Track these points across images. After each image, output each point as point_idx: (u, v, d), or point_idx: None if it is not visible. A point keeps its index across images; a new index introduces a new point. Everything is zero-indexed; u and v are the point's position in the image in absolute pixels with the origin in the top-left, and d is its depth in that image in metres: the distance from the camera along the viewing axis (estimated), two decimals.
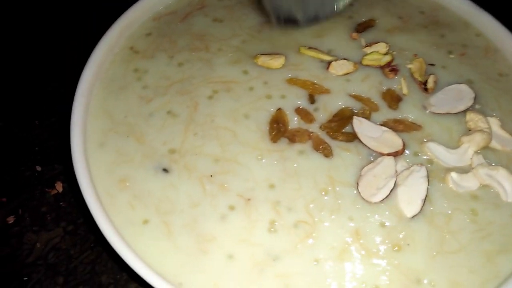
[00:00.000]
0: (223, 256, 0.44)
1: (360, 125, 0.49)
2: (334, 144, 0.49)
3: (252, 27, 0.59)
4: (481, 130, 0.49)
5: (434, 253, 0.44)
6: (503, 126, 0.51)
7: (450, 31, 0.59)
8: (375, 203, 0.46)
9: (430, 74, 0.54)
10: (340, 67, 0.54)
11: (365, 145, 0.48)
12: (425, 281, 0.43)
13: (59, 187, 0.64)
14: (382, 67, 0.54)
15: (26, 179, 0.64)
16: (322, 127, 0.51)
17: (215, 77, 0.54)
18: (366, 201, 0.46)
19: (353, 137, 0.50)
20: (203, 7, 0.61)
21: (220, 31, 0.58)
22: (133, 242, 0.44)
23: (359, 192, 0.46)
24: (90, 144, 0.49)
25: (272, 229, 0.45)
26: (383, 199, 0.46)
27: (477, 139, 0.49)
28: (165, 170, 0.48)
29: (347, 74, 0.54)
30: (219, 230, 0.45)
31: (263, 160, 0.48)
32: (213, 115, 0.52)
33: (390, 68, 0.54)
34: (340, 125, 0.50)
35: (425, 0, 0.62)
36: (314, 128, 0.51)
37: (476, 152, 0.49)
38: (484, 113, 0.51)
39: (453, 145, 0.50)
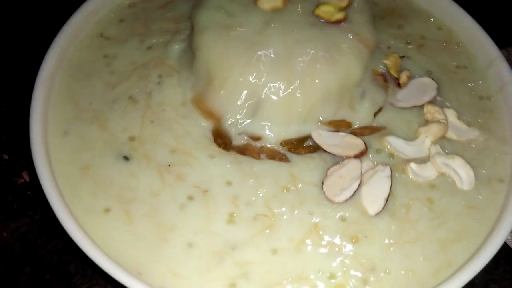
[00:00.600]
0: (183, 244, 0.44)
1: (319, 137, 0.49)
2: (296, 157, 0.49)
3: None
4: (437, 121, 0.49)
5: (392, 242, 0.45)
6: (459, 117, 0.51)
7: (407, 23, 0.59)
8: (339, 202, 0.46)
9: (403, 70, 0.54)
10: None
11: (330, 152, 0.48)
12: (380, 269, 0.44)
13: (26, 176, 0.63)
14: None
15: None
16: (283, 143, 0.49)
17: (164, 59, 0.54)
18: (330, 200, 0.46)
19: (315, 148, 0.49)
20: None
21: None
22: (94, 231, 0.44)
23: (324, 192, 0.46)
24: (52, 132, 0.49)
25: (231, 221, 0.45)
26: (347, 199, 0.46)
27: (434, 130, 0.49)
28: (125, 158, 0.48)
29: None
30: (179, 219, 0.45)
31: (215, 159, 0.48)
32: (164, 104, 0.51)
33: (383, 78, 0.54)
34: (300, 141, 0.50)
35: None
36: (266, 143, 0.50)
37: (434, 143, 0.50)
38: (441, 105, 0.52)
39: (412, 137, 0.50)
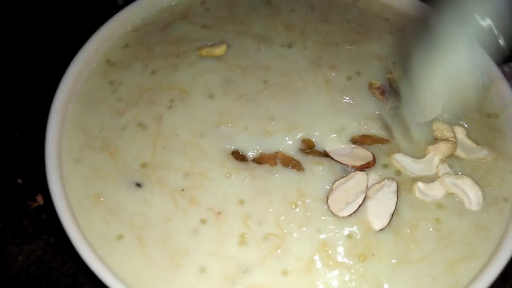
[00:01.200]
0: (196, 269, 0.45)
1: (330, 147, 0.51)
2: (306, 159, 0.50)
3: None
4: (446, 139, 0.50)
5: (398, 262, 0.45)
6: (468, 135, 0.52)
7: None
8: (343, 217, 0.47)
9: None
10: None
11: (337, 161, 0.49)
12: None
13: (40, 199, 0.65)
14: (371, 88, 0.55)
15: (7, 192, 0.65)
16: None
17: (175, 83, 0.55)
18: (335, 215, 0.47)
19: (325, 154, 0.51)
20: (185, 16, 0.61)
21: (200, 35, 0.58)
22: (108, 257, 0.45)
23: (329, 206, 0.47)
24: (65, 159, 0.50)
25: (243, 242, 0.46)
26: (352, 214, 0.47)
27: (443, 148, 0.50)
28: (138, 185, 0.49)
29: None
30: (191, 244, 0.46)
31: (232, 176, 0.49)
32: (175, 127, 0.52)
33: (380, 91, 0.55)
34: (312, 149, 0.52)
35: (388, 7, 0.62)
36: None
37: (442, 161, 0.50)
38: (450, 122, 0.52)
39: (420, 155, 0.51)
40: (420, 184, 0.49)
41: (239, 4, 0.61)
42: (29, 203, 0.64)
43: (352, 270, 0.45)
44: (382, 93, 0.54)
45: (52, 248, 0.62)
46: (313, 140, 0.51)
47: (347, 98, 0.54)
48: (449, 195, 0.49)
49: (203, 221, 0.47)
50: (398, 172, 0.50)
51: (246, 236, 0.46)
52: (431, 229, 0.47)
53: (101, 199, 0.48)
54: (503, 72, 0.72)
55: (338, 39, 0.59)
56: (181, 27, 0.59)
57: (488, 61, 0.55)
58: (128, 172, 0.50)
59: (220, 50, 0.56)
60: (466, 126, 0.53)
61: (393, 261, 0.46)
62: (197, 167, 0.50)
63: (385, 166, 0.50)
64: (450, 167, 0.50)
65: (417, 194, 0.49)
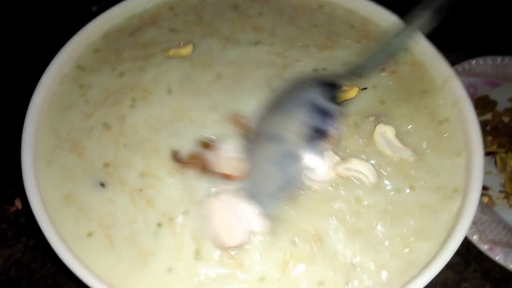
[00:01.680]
0: (163, 269, 0.47)
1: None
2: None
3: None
4: None
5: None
6: (398, 135, 0.54)
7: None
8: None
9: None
10: None
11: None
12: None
13: (18, 203, 0.66)
14: None
15: None
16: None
17: (139, 84, 0.57)
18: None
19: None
20: (154, 21, 0.63)
21: (168, 38, 0.60)
22: (81, 254, 0.47)
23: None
24: (39, 162, 0.52)
25: (199, 257, 0.48)
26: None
27: None
28: (102, 184, 0.51)
29: None
30: (155, 246, 0.48)
31: (173, 179, 0.51)
32: (135, 125, 0.54)
33: None
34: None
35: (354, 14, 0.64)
36: None
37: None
38: (387, 123, 0.54)
39: None
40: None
41: (207, 10, 0.63)
42: (8, 207, 0.66)
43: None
44: None
45: (31, 251, 0.64)
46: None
47: None
48: (347, 179, 0.51)
49: (159, 225, 0.49)
50: None
51: (201, 251, 0.48)
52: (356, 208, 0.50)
53: (71, 199, 0.50)
54: (463, 69, 0.76)
55: (308, 42, 0.60)
56: (149, 32, 0.61)
57: (440, 60, 0.58)
58: (93, 172, 0.51)
59: (186, 50, 0.58)
60: (410, 127, 0.55)
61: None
62: (149, 166, 0.51)
63: None
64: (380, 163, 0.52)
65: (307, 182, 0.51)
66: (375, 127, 0.54)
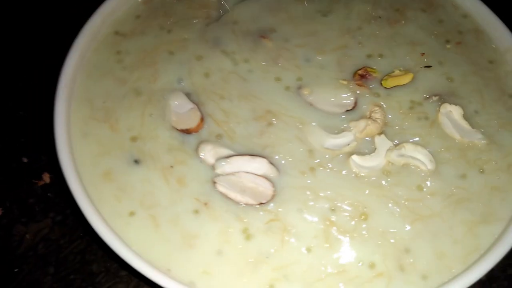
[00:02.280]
0: (212, 251, 0.45)
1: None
2: None
3: None
4: (369, 118, 0.49)
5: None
6: (466, 116, 0.50)
7: (445, 15, 0.58)
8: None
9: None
10: None
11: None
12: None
13: (46, 178, 0.64)
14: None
15: (12, 171, 0.64)
16: None
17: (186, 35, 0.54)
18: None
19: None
20: None
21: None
22: (121, 232, 0.44)
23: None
24: (74, 134, 0.49)
25: (248, 237, 0.45)
26: None
27: (361, 126, 0.49)
28: (136, 161, 0.48)
29: None
30: (199, 229, 0.45)
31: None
32: (164, 89, 0.51)
33: (362, 78, 0.53)
34: None
35: None
36: None
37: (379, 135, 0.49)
38: (455, 102, 0.51)
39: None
40: (354, 157, 0.48)
41: None
42: (35, 182, 0.64)
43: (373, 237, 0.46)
44: (361, 79, 0.53)
45: (60, 226, 0.62)
46: None
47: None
48: (404, 166, 0.48)
49: (197, 212, 0.46)
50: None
51: (248, 230, 0.46)
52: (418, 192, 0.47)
53: (111, 177, 0.48)
54: None
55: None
56: None
57: (501, 27, 0.54)
58: (125, 147, 0.49)
59: None
60: (479, 108, 0.51)
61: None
62: (173, 138, 0.49)
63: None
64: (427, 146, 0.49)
65: (354, 169, 0.48)
66: (440, 107, 0.50)
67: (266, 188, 0.46)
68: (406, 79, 0.52)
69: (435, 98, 0.51)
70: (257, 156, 0.47)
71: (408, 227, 0.45)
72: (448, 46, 0.55)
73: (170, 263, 0.44)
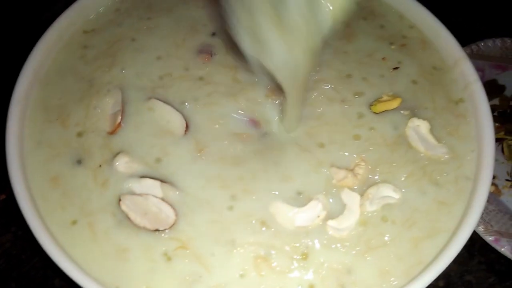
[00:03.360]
0: (145, 268, 0.44)
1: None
2: None
3: None
4: (352, 170, 0.48)
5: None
6: (431, 130, 0.50)
7: (386, 22, 0.58)
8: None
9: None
10: None
11: None
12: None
13: (8, 192, 0.64)
14: None
15: None
16: None
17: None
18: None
19: None
20: None
21: None
22: (67, 245, 0.44)
23: None
24: (27, 145, 0.49)
25: (166, 257, 0.45)
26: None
27: (341, 175, 0.48)
28: (78, 161, 0.48)
29: None
30: (126, 242, 0.45)
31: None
32: (110, 82, 0.51)
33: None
34: None
35: None
36: None
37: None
38: (417, 114, 0.51)
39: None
40: (330, 222, 0.46)
41: None
42: None
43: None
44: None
45: (21, 241, 0.62)
46: None
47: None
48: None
49: (120, 222, 0.46)
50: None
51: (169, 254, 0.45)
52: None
53: (59, 181, 0.47)
54: (471, 52, 0.73)
55: None
56: None
57: (451, 40, 0.55)
58: (71, 144, 0.49)
59: None
60: (431, 115, 0.52)
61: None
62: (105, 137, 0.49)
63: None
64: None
65: (331, 232, 0.46)
66: (408, 120, 0.51)
67: (168, 216, 0.45)
68: (395, 103, 0.52)
69: (405, 112, 0.52)
70: (167, 183, 0.47)
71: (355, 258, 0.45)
72: (393, 47, 0.56)
73: (116, 279, 0.43)
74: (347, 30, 0.56)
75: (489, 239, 0.60)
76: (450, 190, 0.48)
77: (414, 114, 0.51)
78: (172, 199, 0.46)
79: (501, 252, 0.60)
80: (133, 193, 0.46)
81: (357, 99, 0.52)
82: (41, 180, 0.47)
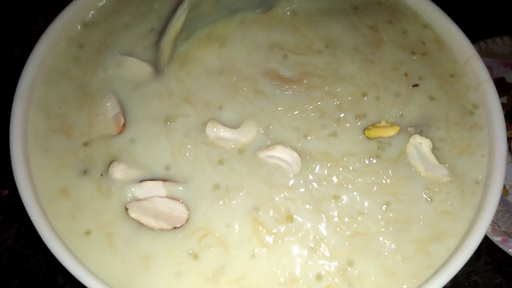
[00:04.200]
0: (170, 273, 0.43)
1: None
2: None
3: None
4: None
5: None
6: (433, 149, 0.49)
7: (407, 24, 0.56)
8: None
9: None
10: None
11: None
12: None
13: (10, 187, 0.63)
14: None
15: None
16: None
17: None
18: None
19: None
20: None
21: None
22: (78, 252, 0.43)
23: None
24: (32, 147, 0.48)
25: (193, 256, 0.44)
26: None
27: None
28: (84, 172, 0.47)
29: None
30: (150, 248, 0.44)
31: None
32: (104, 88, 0.51)
33: None
34: None
35: None
36: None
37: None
38: (426, 133, 0.50)
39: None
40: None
41: None
42: None
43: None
44: None
45: (24, 237, 0.61)
46: None
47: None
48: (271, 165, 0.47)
49: (137, 229, 0.45)
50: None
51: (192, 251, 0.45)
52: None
53: (67, 193, 0.46)
54: (479, 49, 0.72)
55: None
56: None
57: (461, 38, 0.54)
58: (78, 154, 0.48)
59: None
60: (445, 130, 0.50)
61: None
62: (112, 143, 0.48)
63: None
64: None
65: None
66: (410, 137, 0.49)
67: (180, 212, 0.45)
68: (392, 131, 0.49)
69: (410, 129, 0.50)
70: (169, 181, 0.46)
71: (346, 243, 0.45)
72: (414, 57, 0.54)
73: (129, 285, 0.43)
74: (376, 35, 0.55)
75: (497, 239, 0.60)
76: (453, 203, 0.48)
77: (421, 132, 0.50)
78: (178, 195, 0.46)
79: (508, 253, 0.60)
80: (137, 199, 0.45)
81: (356, 121, 0.50)
82: (49, 191, 0.46)
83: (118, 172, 0.46)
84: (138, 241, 0.44)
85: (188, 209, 0.45)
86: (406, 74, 0.53)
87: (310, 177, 0.47)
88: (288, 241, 0.45)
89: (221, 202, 0.45)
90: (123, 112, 0.49)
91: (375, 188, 0.47)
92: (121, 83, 0.51)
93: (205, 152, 0.47)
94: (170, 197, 0.45)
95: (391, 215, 0.46)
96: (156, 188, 0.45)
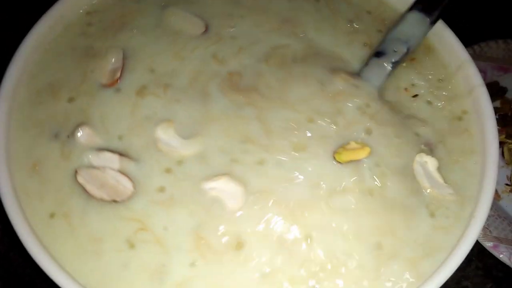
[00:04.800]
0: (119, 263, 0.43)
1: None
2: None
3: None
4: None
5: None
6: (439, 168, 0.48)
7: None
8: None
9: None
10: None
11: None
12: None
13: None
14: None
15: None
16: None
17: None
18: None
19: None
20: None
21: None
22: (49, 243, 0.43)
23: None
24: (17, 119, 0.47)
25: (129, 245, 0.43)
26: None
27: None
28: (56, 135, 0.46)
29: None
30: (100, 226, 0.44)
31: None
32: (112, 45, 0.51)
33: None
34: None
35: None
36: None
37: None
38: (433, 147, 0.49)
39: None
40: None
41: None
42: None
43: None
44: None
45: (9, 238, 0.60)
46: None
47: None
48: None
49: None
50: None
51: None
52: None
53: (37, 167, 0.45)
54: (473, 53, 0.71)
55: None
56: None
57: (454, 42, 0.53)
58: (57, 115, 0.47)
59: None
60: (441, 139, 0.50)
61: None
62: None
63: None
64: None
65: None
66: (416, 154, 0.48)
67: (126, 187, 0.44)
68: (363, 153, 0.46)
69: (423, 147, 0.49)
70: (125, 157, 0.46)
71: None
72: (404, 64, 0.53)
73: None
74: None
75: (488, 245, 0.60)
76: (449, 217, 0.47)
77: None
78: (130, 172, 0.45)
79: (499, 259, 0.59)
80: (91, 166, 0.45)
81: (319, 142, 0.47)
82: (23, 169, 0.45)
83: (84, 136, 0.46)
84: (89, 218, 0.43)
85: (134, 188, 0.44)
86: (406, 89, 0.52)
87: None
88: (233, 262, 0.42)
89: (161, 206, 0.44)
90: (122, 70, 0.49)
91: None
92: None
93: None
94: (122, 172, 0.45)
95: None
96: (111, 160, 0.45)
